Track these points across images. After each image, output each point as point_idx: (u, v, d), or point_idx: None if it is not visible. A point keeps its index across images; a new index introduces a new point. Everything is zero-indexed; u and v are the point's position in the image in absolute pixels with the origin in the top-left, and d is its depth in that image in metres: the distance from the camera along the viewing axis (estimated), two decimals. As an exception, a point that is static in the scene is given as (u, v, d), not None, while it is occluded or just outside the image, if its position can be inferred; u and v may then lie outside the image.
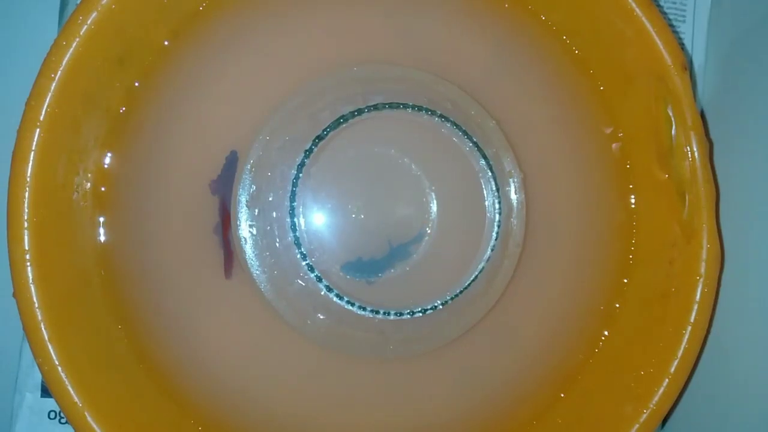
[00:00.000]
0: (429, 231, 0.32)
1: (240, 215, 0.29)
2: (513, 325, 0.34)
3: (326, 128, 0.28)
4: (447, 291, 0.30)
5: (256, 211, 0.30)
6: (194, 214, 0.31)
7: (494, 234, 0.30)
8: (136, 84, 0.31)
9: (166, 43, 0.31)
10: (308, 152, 0.28)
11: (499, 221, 0.30)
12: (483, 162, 0.30)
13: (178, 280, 0.31)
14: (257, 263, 0.30)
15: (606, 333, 0.35)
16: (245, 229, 0.30)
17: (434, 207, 0.32)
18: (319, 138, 0.28)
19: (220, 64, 0.31)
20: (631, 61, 0.33)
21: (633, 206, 0.35)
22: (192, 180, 0.31)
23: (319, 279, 0.28)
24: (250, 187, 0.30)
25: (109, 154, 0.31)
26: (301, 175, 0.28)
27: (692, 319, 0.32)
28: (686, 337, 0.32)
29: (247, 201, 0.29)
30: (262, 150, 0.29)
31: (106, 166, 0.31)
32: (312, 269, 0.28)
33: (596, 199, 0.35)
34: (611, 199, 0.35)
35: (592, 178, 0.35)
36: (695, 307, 0.32)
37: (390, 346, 0.31)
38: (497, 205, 0.30)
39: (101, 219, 0.30)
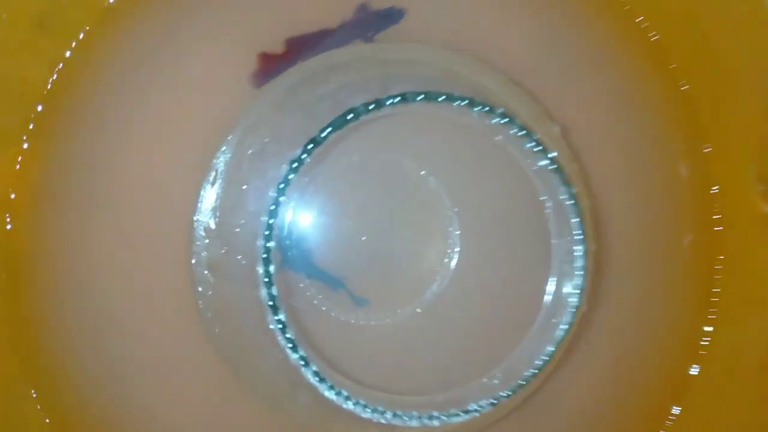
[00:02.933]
0: (451, 267, 0.28)
1: (195, 247, 0.23)
2: (559, 397, 0.30)
3: (326, 127, 0.19)
4: (481, 371, 0.24)
5: (220, 246, 0.24)
6: (150, 237, 0.27)
7: (569, 314, 0.21)
8: (67, 55, 0.27)
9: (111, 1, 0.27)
10: (297, 163, 0.19)
11: (579, 296, 0.21)
12: (561, 185, 0.21)
13: (123, 324, 0.27)
14: (217, 320, 0.24)
15: (678, 407, 0.30)
16: (201, 271, 0.23)
17: (456, 237, 0.28)
18: (315, 142, 0.19)
19: (187, 33, 0.28)
20: (733, 55, 0.29)
21: (719, 243, 0.30)
22: (149, 192, 0.28)
23: (305, 362, 0.20)
24: (214, 209, 0.24)
25: (25, 150, 0.27)
26: (283, 198, 0.20)
27: (798, 398, 0.28)
28: (789, 420, 0.27)
29: (206, 227, 0.23)
30: (232, 153, 0.23)
31: (19, 167, 0.27)
32: (295, 348, 0.19)
33: (669, 233, 0.31)
34: (689, 233, 0.31)
35: (666, 204, 0.31)
36: (803, 382, 0.28)
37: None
38: (575, 256, 0.22)
39: (8, 239, 0.27)
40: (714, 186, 0.30)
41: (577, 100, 0.30)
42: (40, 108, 0.27)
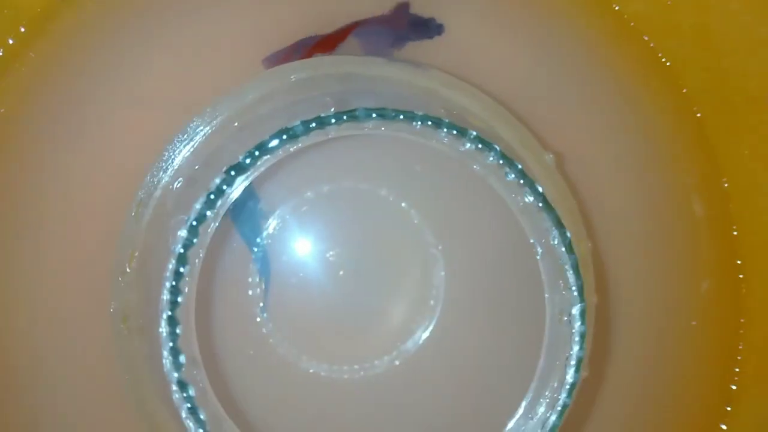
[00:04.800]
0: (436, 313, 0.27)
1: (114, 294, 0.19)
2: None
3: (253, 150, 0.16)
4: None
5: (137, 294, 0.20)
6: (71, 279, 0.25)
7: (568, 384, 0.18)
8: (10, 42, 0.26)
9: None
10: (215, 195, 0.15)
11: (581, 341, 0.18)
12: (552, 227, 0.18)
13: (40, 374, 0.25)
14: (137, 385, 0.19)
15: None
16: (117, 323, 0.20)
17: (441, 279, 0.27)
18: (238, 168, 0.15)
19: (119, 41, 0.26)
20: (752, 79, 0.28)
21: (742, 294, 0.29)
22: (67, 225, 0.26)
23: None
24: (133, 249, 0.20)
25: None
26: (196, 239, 0.16)
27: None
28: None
29: (122, 271, 0.20)
30: (157, 182, 0.20)
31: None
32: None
33: (683, 279, 0.29)
34: (705, 278, 0.29)
35: (679, 246, 0.30)
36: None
37: None
38: (568, 308, 0.18)
39: None
40: (733, 228, 0.29)
41: (575, 126, 0.29)
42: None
